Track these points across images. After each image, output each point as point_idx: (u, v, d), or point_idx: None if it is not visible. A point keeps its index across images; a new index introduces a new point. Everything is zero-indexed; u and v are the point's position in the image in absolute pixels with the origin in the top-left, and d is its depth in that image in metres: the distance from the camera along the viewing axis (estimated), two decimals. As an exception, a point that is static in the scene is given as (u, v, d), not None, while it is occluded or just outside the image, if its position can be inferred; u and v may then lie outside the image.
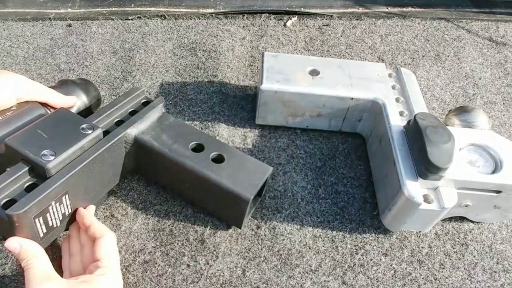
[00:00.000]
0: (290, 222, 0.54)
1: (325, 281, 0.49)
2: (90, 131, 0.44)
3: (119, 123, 0.50)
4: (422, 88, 0.74)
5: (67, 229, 0.48)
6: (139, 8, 0.88)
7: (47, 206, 0.40)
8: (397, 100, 0.61)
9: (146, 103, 0.54)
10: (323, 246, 0.52)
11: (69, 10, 0.87)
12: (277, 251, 0.51)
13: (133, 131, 0.49)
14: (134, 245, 0.50)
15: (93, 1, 0.89)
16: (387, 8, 0.94)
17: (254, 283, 0.48)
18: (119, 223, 0.52)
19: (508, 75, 0.80)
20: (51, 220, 0.42)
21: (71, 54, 0.75)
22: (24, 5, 0.87)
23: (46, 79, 0.71)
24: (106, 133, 0.47)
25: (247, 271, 0.49)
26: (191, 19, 0.85)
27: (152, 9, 0.88)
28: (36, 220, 0.40)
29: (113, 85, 0.70)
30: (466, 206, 0.52)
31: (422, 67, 0.80)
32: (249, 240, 0.52)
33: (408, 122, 0.54)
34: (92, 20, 0.83)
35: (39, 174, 0.41)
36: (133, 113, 0.52)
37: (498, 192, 0.51)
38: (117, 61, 0.75)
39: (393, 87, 0.63)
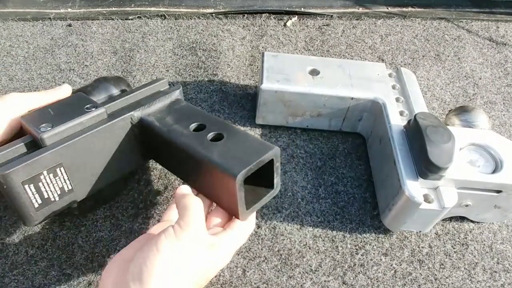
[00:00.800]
0: (290, 222, 0.54)
1: (325, 281, 0.49)
2: (92, 109, 0.45)
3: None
4: (422, 88, 0.74)
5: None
6: (139, 8, 0.88)
7: (37, 174, 0.41)
8: (397, 100, 0.61)
9: None
10: (323, 246, 0.52)
11: (69, 10, 0.87)
12: (277, 251, 0.51)
13: (139, 113, 0.48)
14: (134, 245, 0.50)
15: (93, 1, 0.89)
16: (387, 8, 0.94)
17: (254, 283, 0.48)
18: (119, 223, 0.52)
19: (508, 75, 0.80)
20: (46, 191, 0.43)
21: (71, 54, 0.75)
22: (24, 5, 0.87)
23: (46, 79, 0.71)
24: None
25: (247, 271, 0.49)
26: (191, 19, 0.85)
27: (152, 9, 0.88)
28: (26, 186, 0.40)
29: (113, 85, 0.70)
30: (466, 206, 0.52)
31: (422, 67, 0.80)
32: (249, 240, 0.52)
33: (408, 121, 0.54)
34: (92, 20, 0.83)
35: (37, 145, 0.42)
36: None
37: (498, 192, 0.51)
38: (117, 61, 0.75)
39: (393, 87, 0.63)
